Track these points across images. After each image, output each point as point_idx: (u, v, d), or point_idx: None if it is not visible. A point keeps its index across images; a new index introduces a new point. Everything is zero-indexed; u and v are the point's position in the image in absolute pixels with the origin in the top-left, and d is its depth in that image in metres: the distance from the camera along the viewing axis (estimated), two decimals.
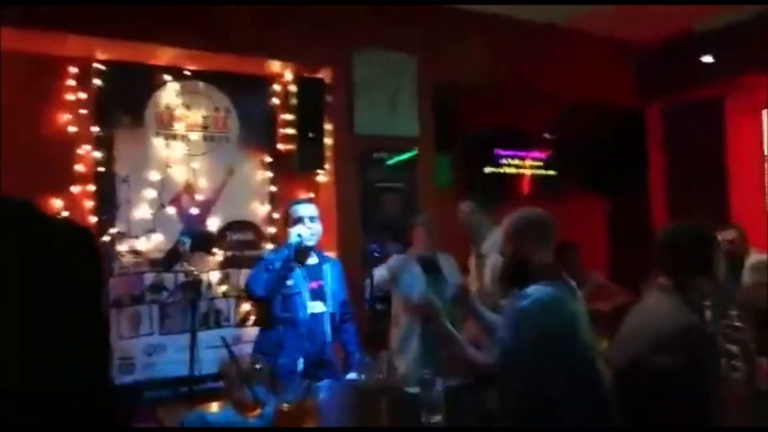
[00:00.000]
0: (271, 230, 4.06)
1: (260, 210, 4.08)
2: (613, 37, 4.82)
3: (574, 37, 4.68)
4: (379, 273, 3.22)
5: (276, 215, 4.05)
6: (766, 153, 5.17)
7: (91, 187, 3.60)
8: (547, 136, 5.23)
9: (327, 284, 2.98)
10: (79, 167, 3.59)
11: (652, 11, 4.26)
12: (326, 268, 3.03)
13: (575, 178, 5.20)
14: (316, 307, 2.92)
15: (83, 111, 3.61)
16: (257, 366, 2.17)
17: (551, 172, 5.16)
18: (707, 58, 4.55)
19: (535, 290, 1.94)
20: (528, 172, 5.09)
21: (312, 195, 4.10)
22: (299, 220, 2.95)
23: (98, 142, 3.62)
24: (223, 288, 3.88)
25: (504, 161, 4.98)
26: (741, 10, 4.32)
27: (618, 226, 5.48)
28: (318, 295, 2.94)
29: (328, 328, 2.92)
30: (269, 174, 4.11)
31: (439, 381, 2.07)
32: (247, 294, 3.07)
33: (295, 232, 2.88)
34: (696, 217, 2.09)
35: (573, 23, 4.51)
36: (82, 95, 3.61)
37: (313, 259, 3.03)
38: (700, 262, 1.88)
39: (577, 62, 4.76)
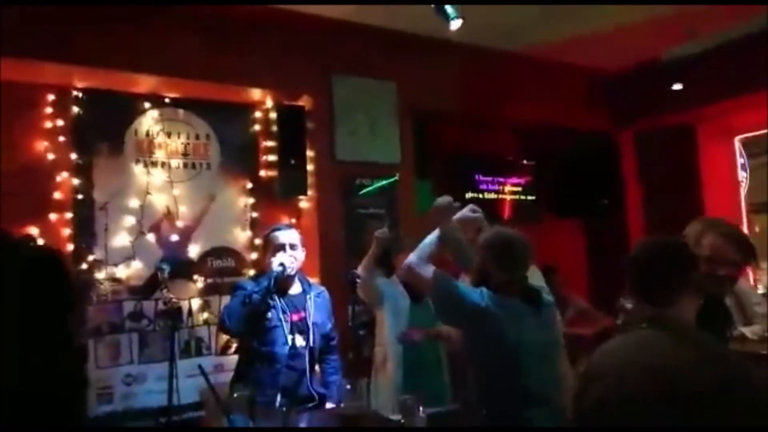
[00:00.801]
0: (253, 256, 4.04)
1: (241, 236, 4.06)
2: (586, 65, 4.93)
3: (550, 65, 4.78)
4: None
5: (258, 241, 4.02)
6: (740, 178, 5.30)
7: (69, 215, 3.57)
8: (525, 162, 5.32)
9: (309, 316, 2.78)
10: (57, 194, 3.56)
11: (622, 40, 4.38)
12: (310, 298, 2.83)
13: (554, 203, 5.28)
14: (297, 340, 2.72)
15: (61, 138, 3.59)
16: (235, 395, 2.14)
17: (530, 197, 5.24)
18: (677, 86, 4.67)
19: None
20: (508, 197, 5.16)
21: (294, 221, 4.10)
22: (280, 247, 2.76)
23: (76, 170, 3.60)
24: (204, 315, 3.84)
25: (484, 186, 5.04)
26: (707, 40, 4.47)
27: (597, 249, 5.55)
28: (299, 328, 2.74)
29: (307, 363, 2.72)
30: (251, 200, 4.11)
31: (420, 407, 2.05)
32: (221, 327, 2.89)
33: (276, 261, 2.68)
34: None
35: (548, 53, 4.61)
36: (60, 122, 3.60)
37: (295, 288, 2.84)
38: (685, 280, 1.60)
39: (553, 90, 4.86)
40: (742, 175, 5.41)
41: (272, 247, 2.80)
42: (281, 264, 2.67)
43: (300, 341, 2.73)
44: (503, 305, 2.07)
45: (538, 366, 2.10)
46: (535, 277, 2.44)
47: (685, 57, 4.65)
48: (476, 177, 5.04)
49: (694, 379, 1.35)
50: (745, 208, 5.34)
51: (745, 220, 5.33)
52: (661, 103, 4.91)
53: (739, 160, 5.40)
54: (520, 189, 5.23)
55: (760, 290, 4.77)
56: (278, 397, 2.61)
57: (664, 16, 4.03)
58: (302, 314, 2.79)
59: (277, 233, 2.84)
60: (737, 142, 5.40)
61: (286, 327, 2.71)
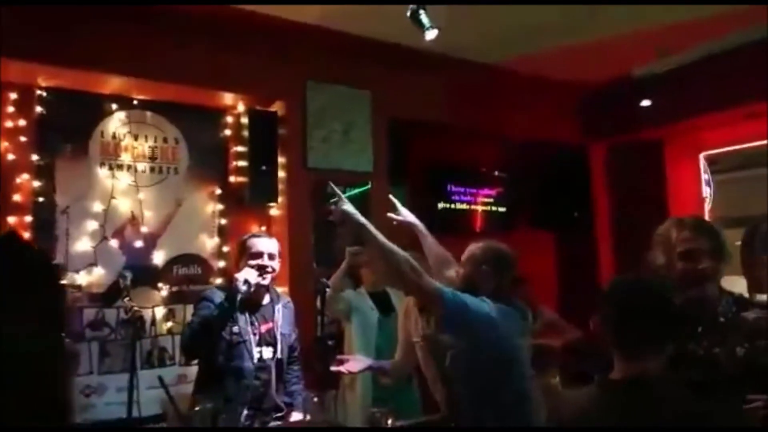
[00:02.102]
0: (221, 264, 3.96)
1: (209, 243, 3.98)
2: (561, 79, 4.98)
3: (526, 79, 4.81)
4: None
5: (226, 248, 3.95)
6: (704, 194, 5.41)
7: (29, 218, 3.44)
8: (498, 173, 5.35)
9: (277, 327, 2.70)
10: (16, 197, 3.43)
11: (596, 55, 4.44)
12: (278, 309, 2.75)
13: (526, 214, 5.32)
14: (264, 352, 2.65)
15: (23, 138, 3.47)
16: (197, 408, 2.06)
17: (502, 209, 5.27)
18: (646, 102, 4.75)
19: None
20: (480, 208, 5.18)
21: (263, 228, 4.03)
22: (258, 255, 2.66)
23: (38, 171, 3.49)
24: (168, 324, 3.74)
25: (457, 197, 5.05)
26: (677, 58, 4.56)
27: (567, 260, 5.60)
28: (267, 340, 2.67)
29: (274, 374, 2.65)
30: (219, 206, 4.03)
31: (390, 420, 2.02)
32: (183, 351, 2.87)
33: (242, 277, 2.55)
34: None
35: (524, 66, 4.64)
36: (22, 122, 3.48)
37: (264, 298, 2.76)
38: (673, 334, 1.48)
39: (528, 103, 4.90)
40: (707, 191, 5.52)
41: (249, 254, 2.69)
42: (246, 281, 2.54)
43: (267, 353, 2.67)
44: (504, 313, 2.12)
45: (528, 369, 2.21)
46: None
47: (655, 74, 4.75)
48: (449, 187, 5.04)
49: None
50: None
51: None
52: (631, 119, 4.99)
53: (704, 176, 5.51)
54: (491, 200, 5.25)
55: None
56: (245, 411, 2.54)
57: (637, 33, 4.10)
58: (270, 325, 2.72)
59: (256, 240, 2.74)
60: (702, 158, 5.52)
61: (254, 340, 2.64)
